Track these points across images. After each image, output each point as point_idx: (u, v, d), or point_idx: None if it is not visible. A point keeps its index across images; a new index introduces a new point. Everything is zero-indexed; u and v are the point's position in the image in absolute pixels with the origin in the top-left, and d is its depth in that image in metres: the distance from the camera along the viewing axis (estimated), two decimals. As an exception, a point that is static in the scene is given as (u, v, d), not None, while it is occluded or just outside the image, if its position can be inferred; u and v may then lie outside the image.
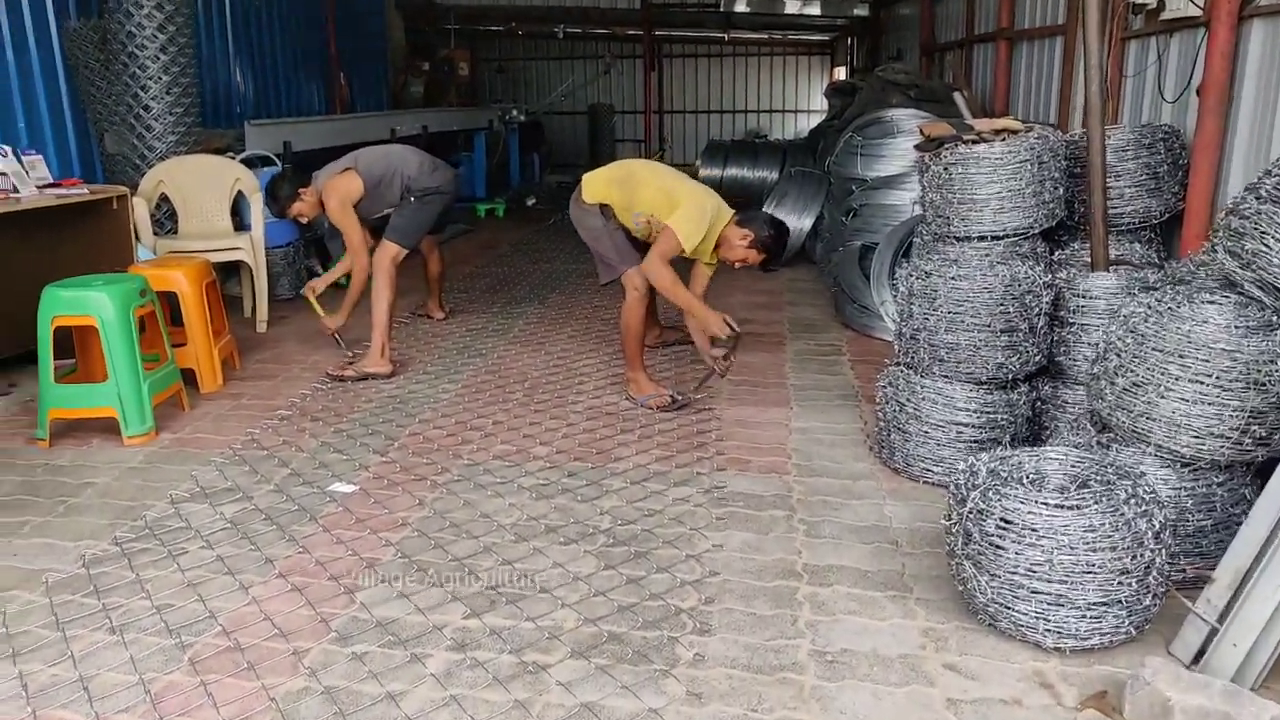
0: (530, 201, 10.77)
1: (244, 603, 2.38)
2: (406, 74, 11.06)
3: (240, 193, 5.25)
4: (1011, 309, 2.92)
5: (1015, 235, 3.31)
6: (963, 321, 2.95)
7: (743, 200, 10.61)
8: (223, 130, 6.29)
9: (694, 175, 11.80)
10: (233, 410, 3.81)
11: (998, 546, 2.17)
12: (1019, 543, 2.15)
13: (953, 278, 2.95)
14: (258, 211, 5.04)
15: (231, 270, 5.49)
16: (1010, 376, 3.01)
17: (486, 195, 10.63)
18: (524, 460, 3.28)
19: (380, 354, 4.24)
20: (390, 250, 4.37)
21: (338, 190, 4.38)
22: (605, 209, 3.89)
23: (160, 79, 5.16)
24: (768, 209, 6.96)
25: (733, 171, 10.79)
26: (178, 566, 2.55)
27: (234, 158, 5.65)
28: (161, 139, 5.27)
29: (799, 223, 6.72)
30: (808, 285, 6.19)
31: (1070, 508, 2.14)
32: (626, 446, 3.41)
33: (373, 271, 4.37)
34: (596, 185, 3.94)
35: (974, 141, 3.34)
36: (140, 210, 4.78)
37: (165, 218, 5.35)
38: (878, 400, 3.28)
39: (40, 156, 4.20)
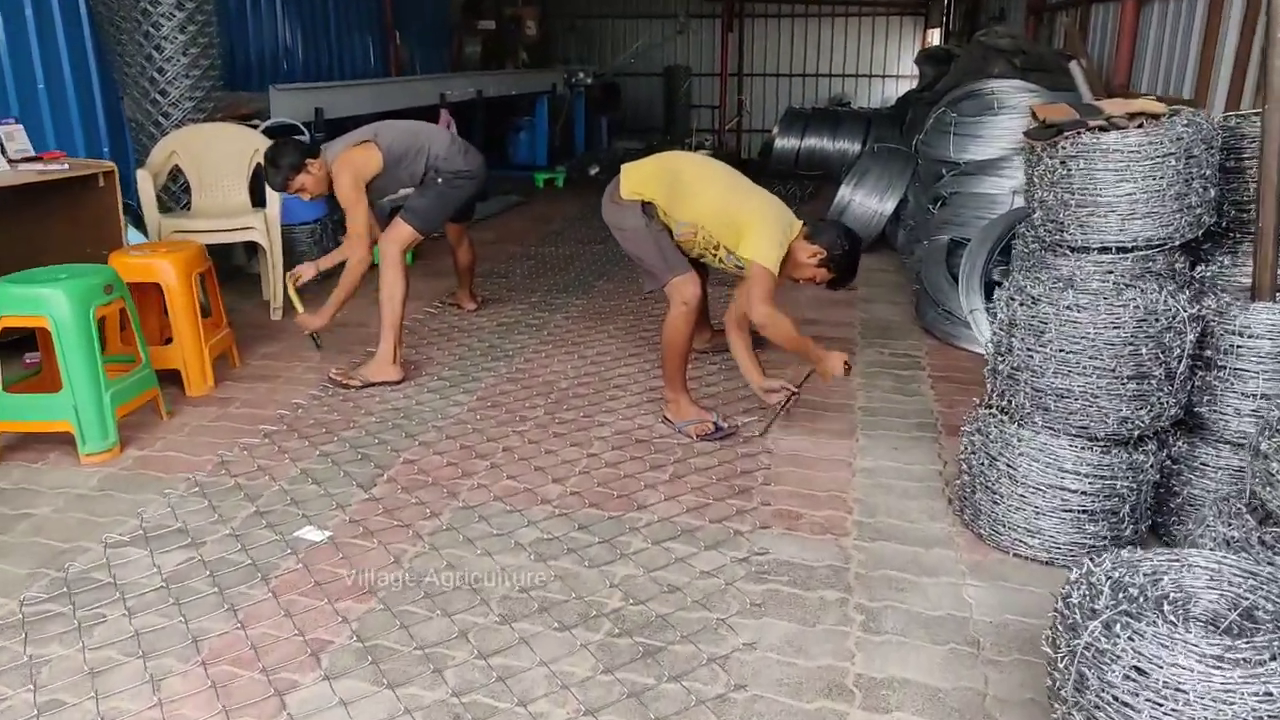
0: (593, 170, 10.19)
1: (148, 705, 1.91)
2: (461, 34, 10.52)
3: (260, 166, 4.81)
4: (1144, 350, 2.26)
5: (1149, 248, 2.62)
6: (1078, 363, 2.30)
7: (821, 174, 9.92)
8: (252, 95, 5.86)
9: (769, 144, 11.13)
10: (215, 421, 3.37)
11: (1127, 707, 1.56)
12: (1159, 708, 1.54)
13: (1068, 307, 2.30)
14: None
15: (254, 248, 5.09)
16: (1136, 433, 2.36)
17: (547, 164, 10.10)
18: (530, 504, 2.75)
19: (390, 359, 3.70)
20: (403, 232, 3.81)
21: (352, 164, 3.75)
22: (647, 207, 3.27)
23: (177, 38, 4.74)
24: (846, 188, 6.29)
25: (811, 142, 10.06)
26: (84, 645, 2.10)
27: (257, 126, 5.21)
28: (178, 105, 4.86)
29: (880, 205, 6.02)
30: (886, 278, 5.50)
31: (1238, 662, 1.52)
32: (654, 489, 2.85)
33: (380, 261, 3.82)
34: (637, 179, 3.31)
35: (1101, 128, 2.65)
36: (144, 186, 4.37)
37: (182, 191, 4.95)
38: (963, 449, 2.66)
39: (19, 127, 3.80)
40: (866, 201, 6.05)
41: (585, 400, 3.56)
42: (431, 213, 3.93)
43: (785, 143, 10.15)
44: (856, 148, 9.63)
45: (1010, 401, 2.48)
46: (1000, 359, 2.50)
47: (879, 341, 4.29)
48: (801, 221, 3.29)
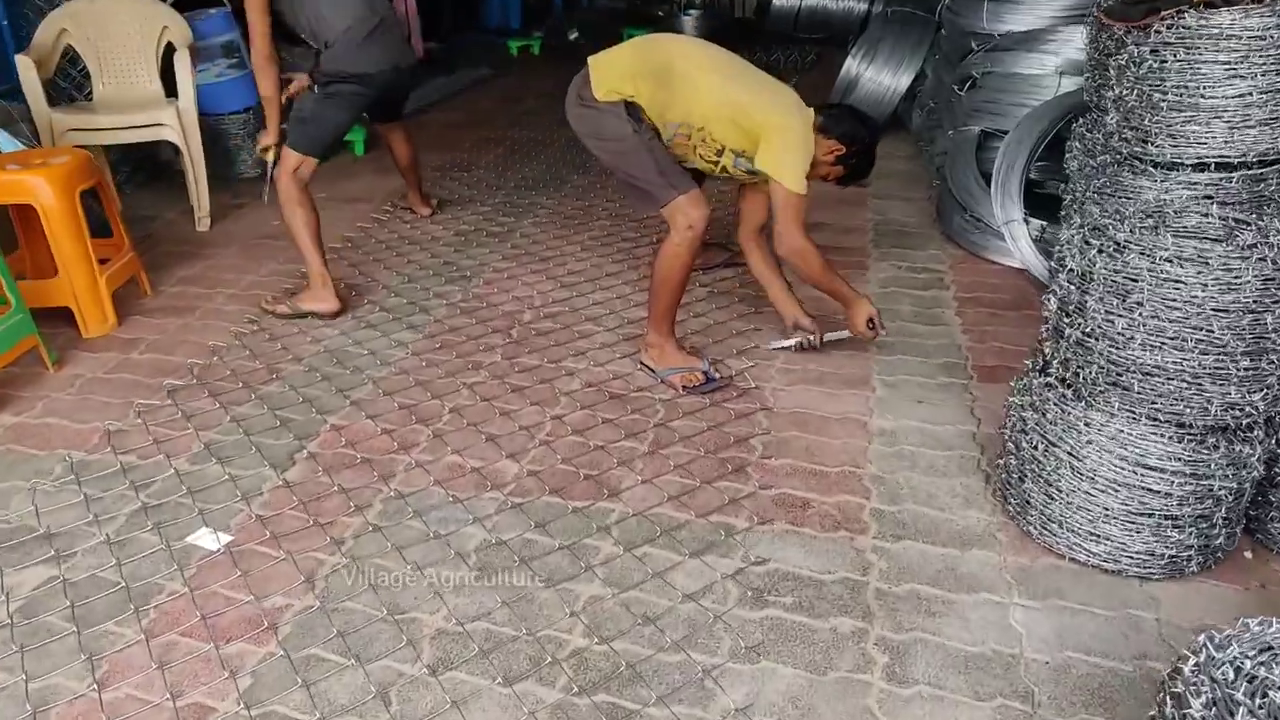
0: (573, 35, 9.28)
1: (-44, 824, 1.46)
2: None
3: (171, 46, 4.09)
4: (1270, 318, 1.72)
5: (1263, 165, 2.04)
6: (1177, 334, 1.76)
7: (824, 37, 9.03)
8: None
9: (766, 1, 10.15)
10: (112, 372, 2.83)
11: None
12: None
13: (1167, 259, 1.74)
14: (186, 72, 3.88)
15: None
16: (1244, 422, 1.84)
17: (522, 28, 9.17)
18: (478, 491, 2.25)
19: (320, 284, 3.17)
20: (289, 161, 3.13)
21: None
22: (631, 107, 2.61)
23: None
24: (853, 61, 5.56)
25: (812, 1, 9.12)
26: (-116, 727, 1.64)
27: (169, -4, 4.44)
28: (69, -33, 4.09)
29: (894, 81, 5.31)
30: (900, 169, 4.86)
31: None
32: (629, 467, 2.35)
33: (277, 192, 3.20)
34: (614, 74, 2.63)
35: (1208, 3, 2.02)
36: (26, 74, 3.67)
37: (84, 78, 4.24)
38: (1008, 425, 2.14)
39: None
40: (878, 77, 5.33)
41: (551, 339, 3.02)
42: (311, 133, 3.14)
43: (784, 0, 9.21)
44: (863, 6, 8.72)
45: (1078, 374, 1.95)
46: (1066, 319, 1.96)
47: (895, 252, 3.71)
48: (813, 110, 2.70)
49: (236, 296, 3.35)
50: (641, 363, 2.80)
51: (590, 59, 2.70)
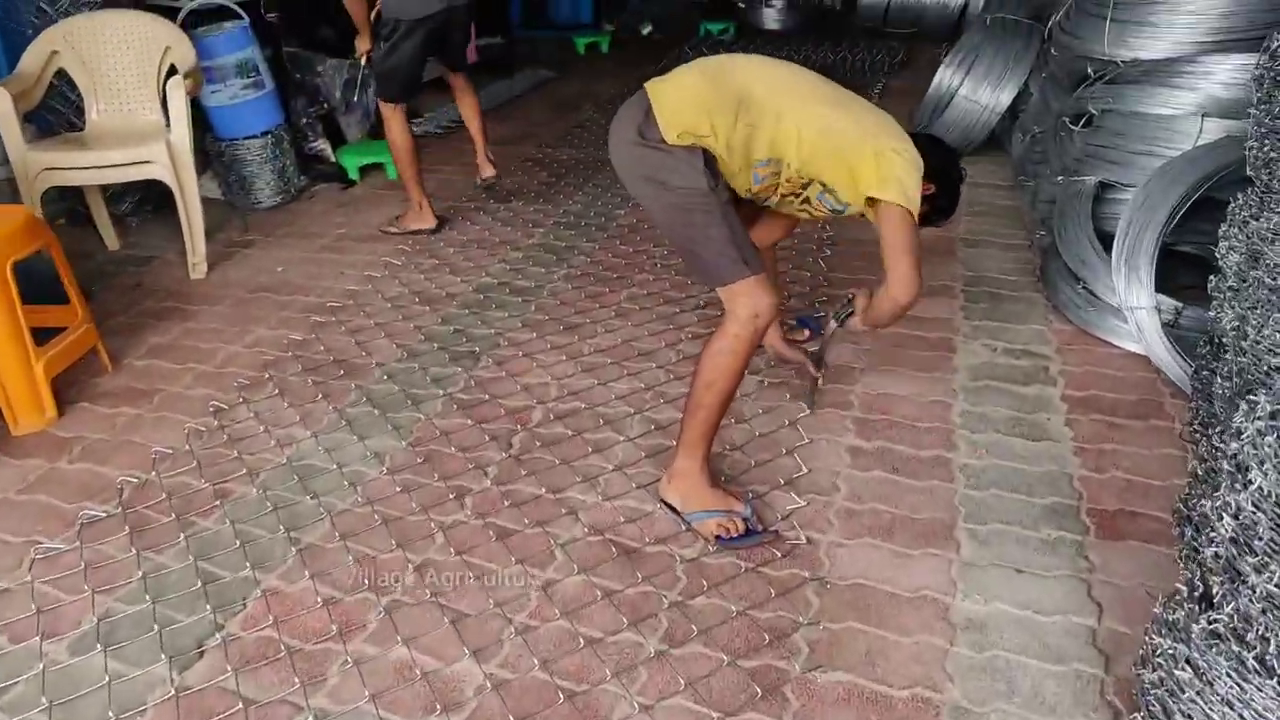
0: (646, 29, 8.68)
1: None
2: None
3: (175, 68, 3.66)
4: None
5: None
6: None
7: (914, 31, 8.22)
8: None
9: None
10: (27, 491, 2.35)
11: None
12: None
13: None
14: (180, 100, 3.43)
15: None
16: None
17: (593, 22, 8.59)
18: (424, 715, 1.72)
19: (419, 207, 3.93)
20: (384, 110, 3.81)
21: None
22: (708, 157, 2.08)
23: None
24: (947, 71, 4.86)
25: (905, -8, 8.32)
26: None
27: (178, 11, 4.01)
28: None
29: (993, 97, 4.59)
30: (998, 202, 4.16)
31: None
32: (627, 681, 1.78)
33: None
34: (688, 109, 2.08)
35: None
36: (2, 106, 3.27)
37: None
38: (1146, 673, 1.51)
39: None
40: (975, 93, 4.61)
41: (558, 455, 2.46)
42: (391, 85, 3.75)
43: (872, -5, 8.42)
44: (959, 1, 7.90)
45: (1267, 640, 1.31)
46: (1249, 557, 1.32)
47: (989, 326, 3.05)
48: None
49: (206, 377, 2.89)
50: (663, 499, 2.23)
51: (650, 86, 2.15)
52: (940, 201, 2.33)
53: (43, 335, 2.71)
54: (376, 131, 5.16)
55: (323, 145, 4.75)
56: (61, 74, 3.65)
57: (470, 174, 4.49)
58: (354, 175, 4.66)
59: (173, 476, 2.41)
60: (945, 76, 4.90)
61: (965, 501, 2.25)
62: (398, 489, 2.33)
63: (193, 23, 4.09)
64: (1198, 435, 2.21)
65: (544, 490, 2.32)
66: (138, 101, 3.68)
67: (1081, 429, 2.51)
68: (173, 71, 3.62)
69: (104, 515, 2.25)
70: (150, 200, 4.15)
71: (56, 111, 3.90)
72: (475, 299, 3.38)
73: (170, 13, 3.92)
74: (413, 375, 2.87)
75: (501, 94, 6.35)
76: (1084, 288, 2.93)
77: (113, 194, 3.99)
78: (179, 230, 3.59)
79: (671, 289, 3.43)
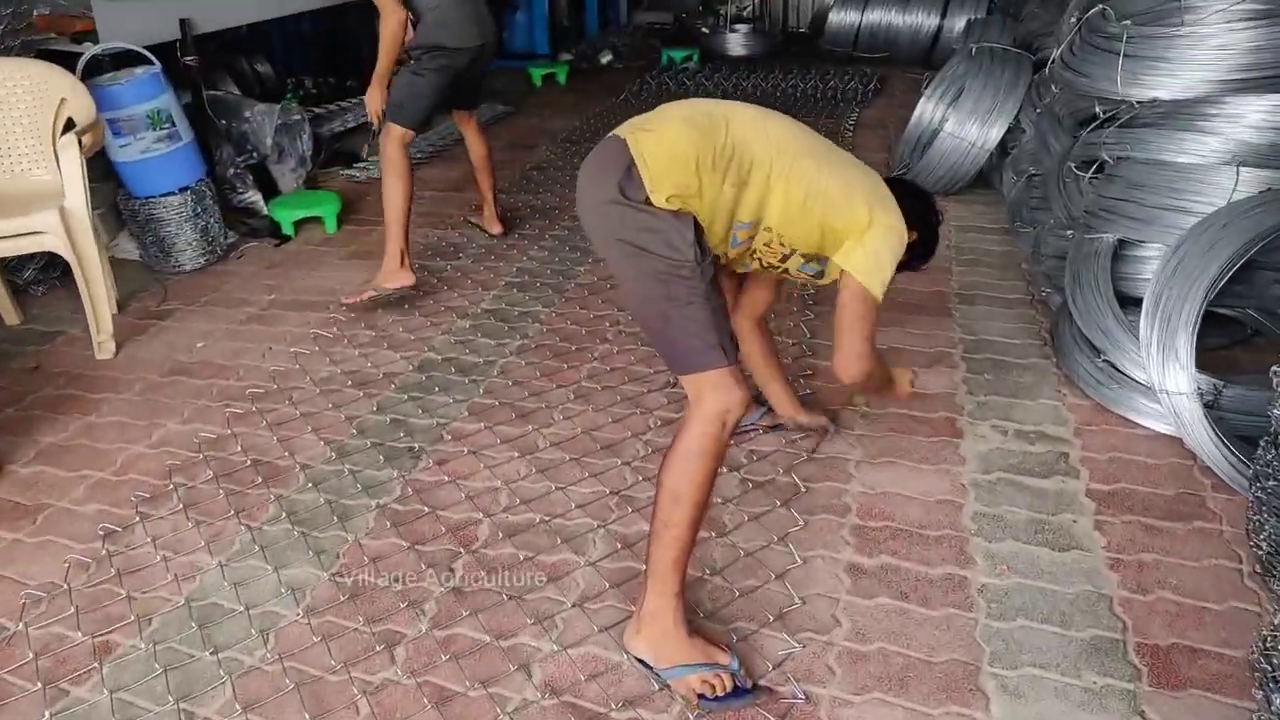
0: (606, 59, 8.36)
1: None
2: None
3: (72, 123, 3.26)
4: None
5: None
6: None
7: (885, 56, 7.97)
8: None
9: (822, 15, 9.16)
10: None
11: None
12: None
13: None
14: (74, 161, 3.03)
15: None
16: None
17: (549, 53, 8.27)
18: None
19: (398, 263, 3.41)
20: (392, 133, 3.41)
21: None
22: (696, 224, 1.81)
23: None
24: (929, 104, 4.59)
25: (876, 16, 8.12)
26: None
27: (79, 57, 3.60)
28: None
29: (981, 133, 4.30)
30: (992, 248, 3.86)
31: None
32: None
33: (381, 161, 3.45)
34: (676, 164, 1.79)
35: None
36: None
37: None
38: None
39: None
40: (961, 129, 4.32)
41: (507, 587, 2.08)
42: (406, 105, 3.43)
43: (843, 15, 8.20)
44: (933, 22, 7.70)
45: None
46: None
47: (996, 403, 2.72)
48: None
49: (102, 488, 2.48)
50: (631, 653, 1.86)
51: (631, 137, 1.84)
52: (920, 249, 2.18)
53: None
54: (312, 182, 4.80)
55: (254, 197, 4.36)
56: (-52, 130, 3.24)
57: (421, 223, 4.12)
58: (288, 230, 4.27)
59: (44, 627, 2.00)
60: (927, 110, 4.62)
61: (989, 637, 1.90)
62: (315, 638, 1.94)
63: (99, 69, 3.70)
64: (1272, 563, 1.88)
65: (490, 637, 1.94)
66: (30, 161, 3.28)
67: (1114, 533, 2.18)
68: (70, 127, 3.23)
69: (-55, 692, 1.84)
70: (57, 266, 3.73)
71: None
72: (416, 380, 3.00)
73: (70, 59, 3.52)
74: (341, 481, 2.48)
75: (450, 133, 5.98)
76: (1104, 360, 2.61)
77: (11, 263, 3.57)
78: (79, 306, 3.18)
79: (637, 363, 3.07)
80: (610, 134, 1.89)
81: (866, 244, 1.94)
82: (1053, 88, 3.43)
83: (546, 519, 2.31)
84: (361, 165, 5.17)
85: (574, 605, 2.02)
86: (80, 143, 3.08)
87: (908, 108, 6.07)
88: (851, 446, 2.55)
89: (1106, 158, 2.85)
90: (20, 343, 3.35)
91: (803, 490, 2.36)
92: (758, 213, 1.90)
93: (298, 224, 4.32)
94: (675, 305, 1.77)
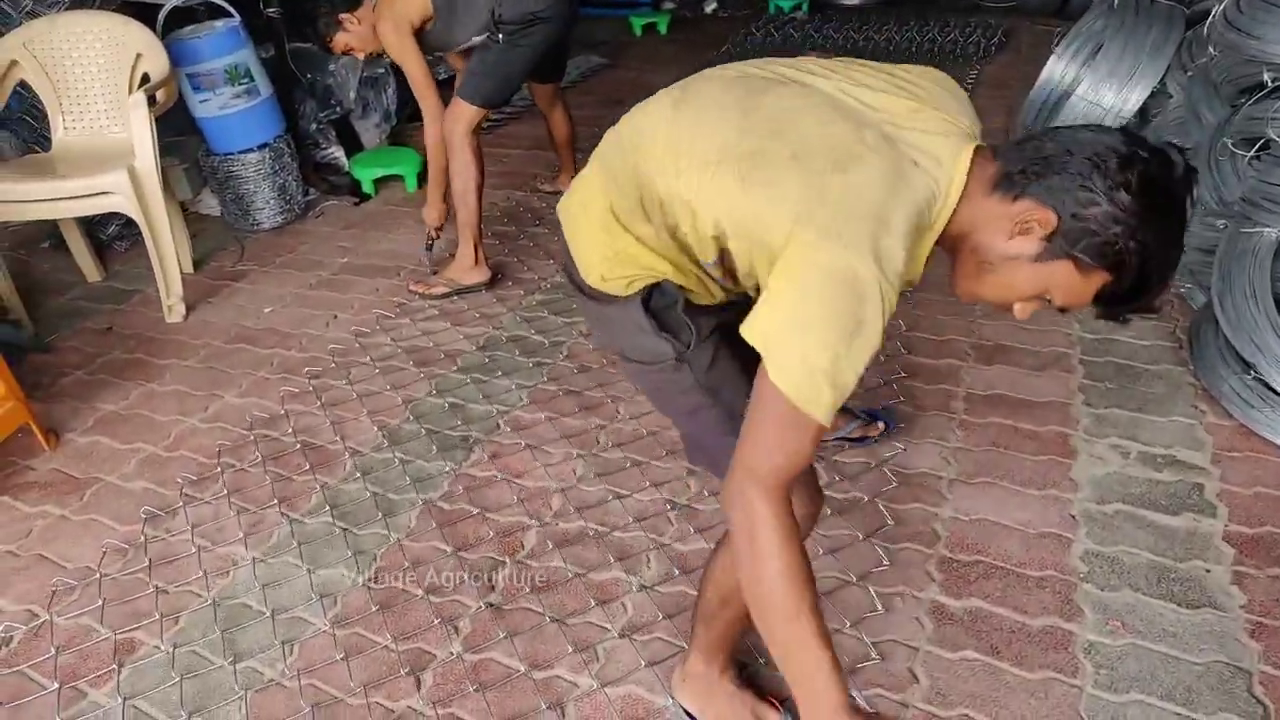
0: (710, 7, 7.97)
1: None
2: None
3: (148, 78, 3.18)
4: None
5: None
6: None
7: (1013, 5, 7.36)
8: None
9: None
10: None
11: None
12: None
13: None
14: (144, 121, 2.94)
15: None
16: None
17: (652, 0, 7.92)
18: None
19: (472, 260, 3.16)
20: (463, 114, 2.98)
21: (390, 8, 2.91)
22: (661, 290, 1.29)
23: None
24: (1060, 63, 4.16)
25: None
26: None
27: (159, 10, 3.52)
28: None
29: (1118, 98, 3.84)
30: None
31: None
32: None
33: (446, 145, 3.04)
34: (595, 223, 1.30)
35: None
36: (-60, 131, 2.84)
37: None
38: None
39: None
40: (1096, 93, 3.86)
41: (552, 601, 1.91)
42: (489, 82, 2.98)
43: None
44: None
45: None
46: None
47: (1118, 418, 2.38)
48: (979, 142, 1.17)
49: (152, 464, 2.41)
50: (675, 699, 1.66)
51: (562, 202, 1.40)
52: (1116, 287, 1.08)
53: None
54: (396, 137, 4.67)
55: (336, 153, 4.25)
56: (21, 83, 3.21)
57: (500, 184, 3.94)
58: (368, 189, 4.15)
59: (73, 618, 1.93)
60: (1058, 69, 4.17)
61: (1095, 712, 1.63)
62: (339, 655, 1.81)
63: (179, 22, 3.61)
64: None
65: (524, 665, 1.77)
66: (108, 118, 3.22)
67: (1257, 590, 1.85)
68: (146, 83, 3.15)
69: (-34, 696, 1.78)
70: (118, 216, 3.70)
71: (29, 125, 3.47)
72: (478, 360, 2.84)
73: (150, 12, 3.43)
74: (389, 472, 2.34)
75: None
76: (1255, 377, 2.25)
77: (94, 219, 3.56)
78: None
79: (716, 349, 2.83)
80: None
81: (774, 296, 1.07)
82: (1210, 49, 2.98)
83: (600, 531, 2.12)
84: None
85: (620, 634, 1.84)
86: (153, 100, 2.99)
87: (1036, 64, 5.53)
88: (946, 461, 2.27)
89: (1273, 136, 2.43)
90: (98, 301, 3.34)
91: (889, 523, 2.09)
92: (713, 244, 1.20)
93: (378, 182, 4.20)
94: (681, 415, 1.42)
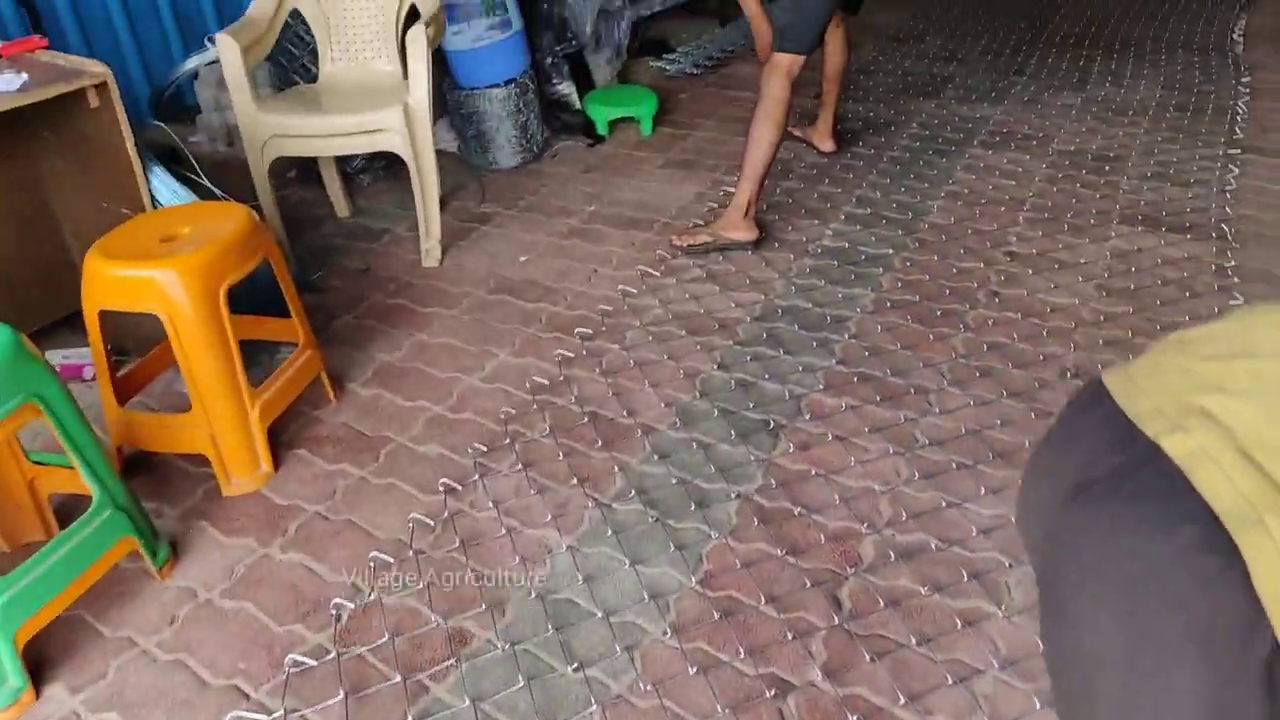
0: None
1: None
2: None
3: (415, 9, 3.05)
4: None
5: None
6: None
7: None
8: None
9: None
10: (233, 595, 1.88)
11: None
12: None
13: None
14: (421, 58, 2.82)
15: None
16: None
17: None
18: None
19: (743, 213, 2.97)
20: (779, 65, 2.87)
21: None
22: None
23: None
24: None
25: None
26: None
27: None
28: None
29: None
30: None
31: None
32: None
33: (759, 93, 2.91)
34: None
35: None
36: (230, 61, 2.76)
37: (311, 57, 3.31)
38: None
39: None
40: None
41: (909, 628, 1.73)
42: (793, 28, 2.86)
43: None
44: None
45: None
46: None
47: None
48: None
49: (440, 426, 2.33)
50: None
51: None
52: None
53: (254, 352, 2.24)
54: (624, 75, 4.47)
55: (567, 90, 4.08)
56: (295, 13, 3.12)
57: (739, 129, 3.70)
58: (602, 130, 3.98)
59: (397, 596, 1.86)
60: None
61: None
62: (690, 669, 1.68)
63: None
64: None
65: (898, 699, 1.60)
66: (374, 50, 3.12)
67: None
68: (413, 16, 3.02)
69: (314, 664, 1.72)
70: (383, 156, 3.63)
71: (290, 54, 3.41)
72: (756, 332, 2.65)
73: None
74: (691, 456, 2.19)
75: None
76: None
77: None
78: (411, 198, 3.03)
79: (1020, 340, 2.57)
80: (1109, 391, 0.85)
81: None
82: None
83: (943, 544, 1.92)
84: (671, 58, 4.76)
85: (999, 669, 1.64)
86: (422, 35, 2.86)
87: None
88: None
89: None
90: (351, 237, 3.29)
91: None
92: None
93: (612, 123, 4.01)
94: None
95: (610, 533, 1.98)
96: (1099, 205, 3.31)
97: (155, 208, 2.35)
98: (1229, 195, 3.35)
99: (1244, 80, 4.43)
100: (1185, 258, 2.97)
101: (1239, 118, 4.00)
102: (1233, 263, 2.92)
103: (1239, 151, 3.68)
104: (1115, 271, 2.90)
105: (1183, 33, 5.22)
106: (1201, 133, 3.87)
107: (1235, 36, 5.11)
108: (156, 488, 2.13)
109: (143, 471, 2.19)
